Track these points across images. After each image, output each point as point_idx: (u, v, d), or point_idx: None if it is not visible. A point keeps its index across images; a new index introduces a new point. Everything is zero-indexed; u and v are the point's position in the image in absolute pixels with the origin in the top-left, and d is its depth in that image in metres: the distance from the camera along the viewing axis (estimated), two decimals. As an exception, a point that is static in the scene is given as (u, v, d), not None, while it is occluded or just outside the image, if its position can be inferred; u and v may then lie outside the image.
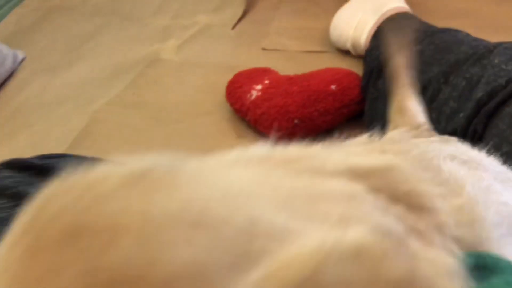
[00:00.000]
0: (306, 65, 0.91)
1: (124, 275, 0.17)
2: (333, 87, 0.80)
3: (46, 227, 0.18)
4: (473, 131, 0.61)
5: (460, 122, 0.63)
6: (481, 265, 0.24)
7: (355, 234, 0.18)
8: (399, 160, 0.27)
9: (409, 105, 0.50)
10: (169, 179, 0.20)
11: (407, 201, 0.24)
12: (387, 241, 0.19)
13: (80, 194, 0.19)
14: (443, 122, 0.65)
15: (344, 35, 0.94)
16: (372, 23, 0.88)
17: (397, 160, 0.27)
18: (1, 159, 0.54)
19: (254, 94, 0.82)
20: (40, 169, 0.51)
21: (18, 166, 0.52)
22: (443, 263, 0.22)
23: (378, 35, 0.85)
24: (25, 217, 0.19)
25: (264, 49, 1.03)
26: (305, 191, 0.22)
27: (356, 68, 0.88)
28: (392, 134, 0.35)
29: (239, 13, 1.13)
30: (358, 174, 0.24)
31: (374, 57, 0.81)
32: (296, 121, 0.77)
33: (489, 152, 0.38)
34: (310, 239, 0.18)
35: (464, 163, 0.34)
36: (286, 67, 0.92)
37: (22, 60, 1.11)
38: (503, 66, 0.63)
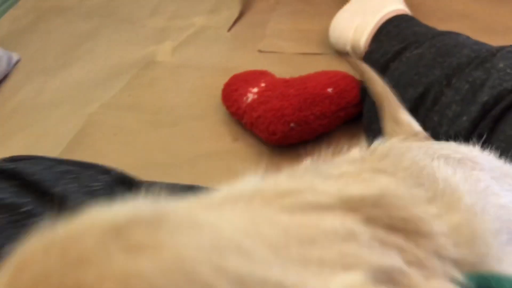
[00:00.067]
0: (302, 67, 0.91)
1: None
2: (329, 90, 0.79)
3: None
4: (478, 136, 0.61)
5: (463, 126, 0.63)
6: None
7: (353, 281, 0.18)
8: (392, 183, 0.27)
9: (402, 117, 0.50)
10: (152, 235, 0.18)
11: (404, 228, 0.24)
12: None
13: (58, 256, 0.18)
14: (445, 126, 0.65)
15: (343, 37, 0.93)
16: (371, 25, 0.88)
17: (390, 183, 0.27)
18: (-5, 163, 0.54)
19: (250, 97, 0.82)
20: (11, 173, 0.50)
21: None
22: None
23: (378, 37, 0.85)
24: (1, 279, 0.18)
25: (260, 51, 1.02)
26: (300, 233, 0.21)
27: (353, 71, 0.88)
28: (383, 146, 0.34)
29: (235, 14, 1.12)
30: (353, 205, 0.24)
31: (374, 60, 0.80)
32: (292, 124, 0.76)
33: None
34: None
35: (458, 162, 0.33)
36: (283, 69, 0.91)
37: (17, 62, 1.10)
38: (508, 70, 0.63)
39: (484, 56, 0.67)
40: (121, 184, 0.54)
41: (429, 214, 0.25)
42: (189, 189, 0.58)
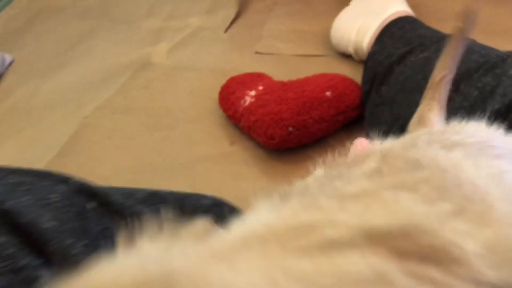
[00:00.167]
0: (300, 69, 0.89)
1: None
2: (328, 93, 0.78)
3: None
4: None
5: None
6: None
7: None
8: (416, 204, 0.25)
9: (431, 116, 0.48)
10: None
11: (435, 256, 0.22)
12: None
13: None
14: None
15: (345, 38, 0.92)
16: (374, 27, 0.86)
17: (414, 205, 0.25)
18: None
19: (248, 100, 0.80)
20: None
21: None
22: None
23: (381, 38, 0.84)
24: None
25: (257, 52, 1.01)
26: (324, 285, 0.19)
27: (352, 73, 0.86)
28: (395, 150, 0.32)
29: (232, 15, 1.11)
30: (378, 238, 0.22)
31: (377, 62, 0.79)
32: (290, 128, 0.75)
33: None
34: None
35: (479, 151, 0.31)
36: (280, 71, 0.90)
37: (10, 63, 1.09)
38: None
39: (494, 61, 0.65)
40: (80, 194, 0.49)
41: (459, 233, 0.23)
42: (152, 195, 0.55)
